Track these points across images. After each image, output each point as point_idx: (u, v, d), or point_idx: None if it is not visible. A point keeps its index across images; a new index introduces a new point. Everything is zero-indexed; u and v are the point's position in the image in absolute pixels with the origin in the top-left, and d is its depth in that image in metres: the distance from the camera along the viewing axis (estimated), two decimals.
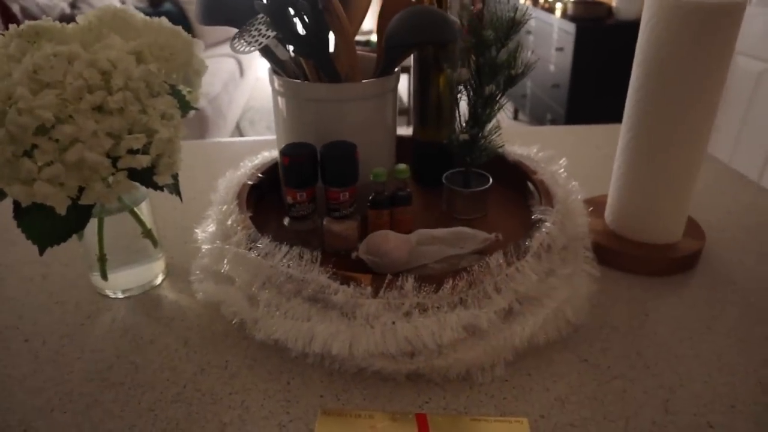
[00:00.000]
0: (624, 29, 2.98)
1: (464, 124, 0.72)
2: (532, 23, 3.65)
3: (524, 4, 3.64)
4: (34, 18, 3.00)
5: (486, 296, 0.55)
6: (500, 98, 0.70)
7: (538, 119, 3.66)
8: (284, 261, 0.56)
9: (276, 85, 0.71)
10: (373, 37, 2.49)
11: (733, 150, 2.39)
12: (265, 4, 0.60)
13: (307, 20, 0.62)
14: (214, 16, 0.72)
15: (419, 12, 0.62)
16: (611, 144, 0.83)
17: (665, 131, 0.68)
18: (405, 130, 0.89)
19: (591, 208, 0.76)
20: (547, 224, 0.64)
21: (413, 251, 0.65)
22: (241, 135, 3.95)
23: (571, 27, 3.02)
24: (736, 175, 1.02)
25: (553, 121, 3.38)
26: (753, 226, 0.84)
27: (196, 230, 0.69)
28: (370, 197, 0.70)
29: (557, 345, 0.60)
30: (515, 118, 4.05)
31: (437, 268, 0.64)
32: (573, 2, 3.15)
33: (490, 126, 0.73)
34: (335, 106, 0.69)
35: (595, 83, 3.09)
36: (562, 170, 0.78)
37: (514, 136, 1.14)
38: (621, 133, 0.75)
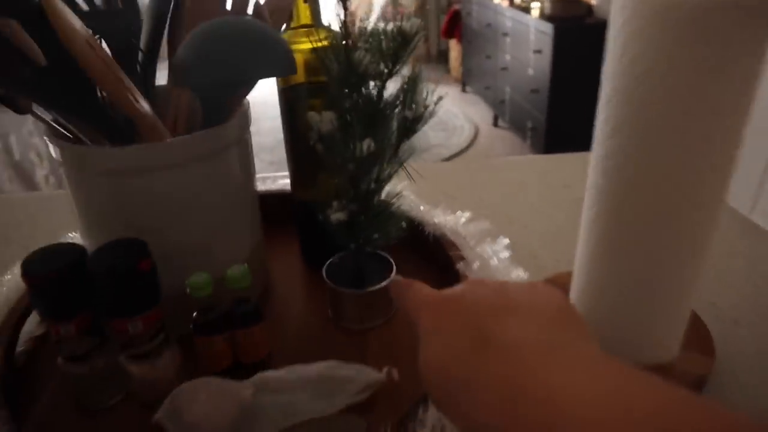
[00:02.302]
0: (606, 28, 2.74)
1: (342, 195, 0.47)
2: (507, 24, 3.40)
3: (497, 4, 3.39)
4: None
5: None
6: (393, 157, 0.45)
7: (518, 126, 3.42)
8: None
9: (52, 152, 0.45)
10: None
11: (756, 194, 2.03)
12: None
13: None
14: None
15: (216, 35, 0.37)
16: (585, 182, 0.58)
17: (652, 200, 0.43)
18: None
19: None
20: None
21: (246, 411, 0.40)
22: None
23: (548, 28, 2.78)
24: (759, 235, 0.75)
25: (534, 129, 3.14)
26: None
27: None
28: (194, 316, 0.45)
29: None
30: (495, 125, 3.80)
31: None
32: (550, 1, 2.91)
33: (382, 195, 0.47)
34: (136, 179, 0.44)
35: (577, 87, 2.84)
36: (504, 250, 0.53)
37: (460, 172, 0.89)
38: (585, 200, 0.49)
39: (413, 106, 0.43)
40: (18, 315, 0.49)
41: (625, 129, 0.43)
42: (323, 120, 0.42)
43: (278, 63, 0.38)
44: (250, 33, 0.37)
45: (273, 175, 0.76)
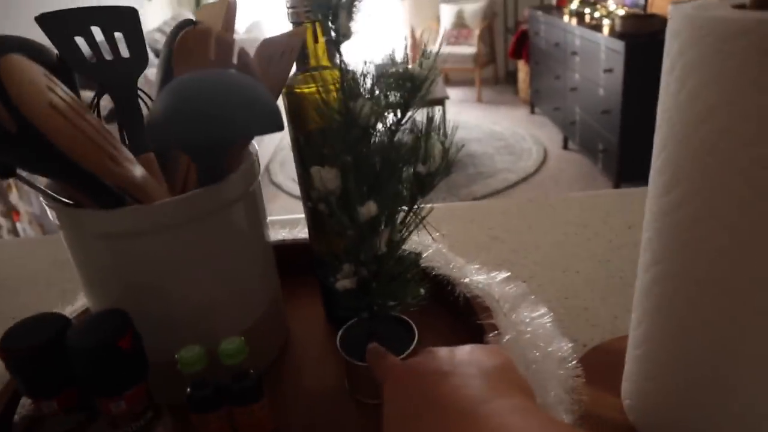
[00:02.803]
0: None
1: (351, 259, 0.41)
2: (576, 43, 3.27)
3: (566, 22, 3.27)
4: None
5: None
6: (408, 217, 0.39)
7: (588, 148, 3.26)
8: None
9: (49, 213, 0.43)
10: None
11: None
12: None
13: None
14: None
15: (189, 93, 0.33)
16: None
17: (722, 268, 0.35)
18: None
19: (595, 368, 0.44)
20: None
21: None
22: (270, 177, 3.76)
23: (619, 45, 2.63)
24: None
25: (605, 151, 2.97)
26: None
27: None
28: (187, 391, 0.40)
29: None
30: (565, 147, 3.65)
31: None
32: (622, 17, 2.77)
33: (400, 256, 0.42)
34: (138, 243, 0.41)
35: (651, 107, 2.67)
36: (542, 317, 0.46)
37: (512, 211, 0.81)
38: (640, 259, 0.42)
39: (427, 159, 0.37)
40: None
41: (684, 180, 0.36)
42: (324, 178, 0.37)
43: (263, 121, 0.33)
44: (227, 90, 0.33)
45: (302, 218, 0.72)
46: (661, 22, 2.70)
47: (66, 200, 0.42)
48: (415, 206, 0.40)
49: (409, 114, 0.37)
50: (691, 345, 0.38)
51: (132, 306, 0.39)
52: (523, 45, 4.38)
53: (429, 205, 0.41)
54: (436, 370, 0.33)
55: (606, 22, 2.97)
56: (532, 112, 4.35)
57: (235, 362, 0.39)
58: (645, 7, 2.77)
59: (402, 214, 0.40)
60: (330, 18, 0.34)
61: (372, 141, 0.37)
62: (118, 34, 0.48)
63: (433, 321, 0.49)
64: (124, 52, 0.48)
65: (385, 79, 0.36)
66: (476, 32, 4.81)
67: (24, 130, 0.33)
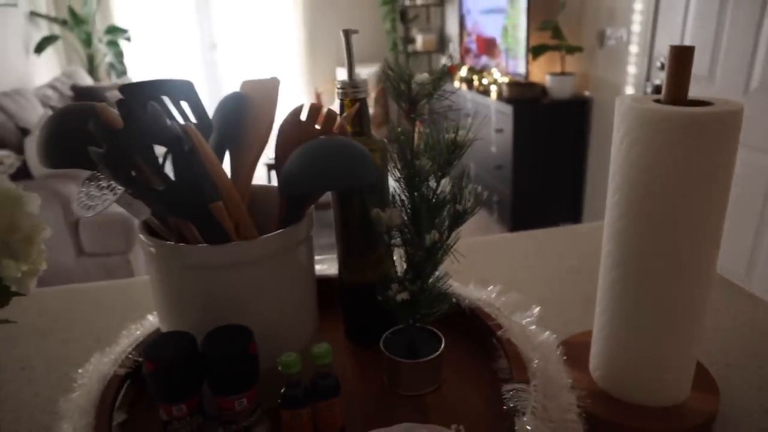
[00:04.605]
0: (559, 108, 3.00)
1: (402, 278, 0.55)
2: (469, 106, 3.65)
3: (458, 88, 3.64)
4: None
5: None
6: (446, 242, 0.53)
7: (484, 201, 3.59)
8: None
9: (145, 245, 0.52)
10: None
11: (748, 265, 2.09)
12: (101, 152, 0.42)
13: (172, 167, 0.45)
14: (60, 157, 0.55)
15: (321, 152, 0.46)
16: (576, 251, 0.75)
17: (660, 268, 0.53)
18: None
19: (566, 356, 0.59)
20: (525, 419, 0.46)
21: None
22: None
23: (508, 108, 3.01)
24: (752, 300, 0.83)
25: (500, 202, 3.31)
26: None
27: None
28: (282, 391, 0.50)
29: None
30: None
31: None
32: (507, 84, 3.16)
33: (436, 274, 0.56)
34: (226, 273, 0.51)
35: (538, 161, 3.06)
36: (531, 320, 0.61)
37: (461, 248, 0.97)
38: (601, 269, 0.59)
39: (462, 201, 0.52)
40: (109, 405, 0.54)
41: (632, 211, 0.54)
42: (392, 216, 0.50)
43: (368, 174, 0.46)
44: (347, 150, 0.46)
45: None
46: (540, 89, 3.12)
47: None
48: (450, 236, 0.54)
49: (450, 167, 0.52)
50: (640, 323, 0.55)
51: (205, 327, 0.49)
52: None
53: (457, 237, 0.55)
54: None
55: (493, 88, 3.35)
56: None
57: (325, 362, 0.50)
58: (526, 76, 3.19)
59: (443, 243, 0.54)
60: (409, 104, 0.48)
61: (424, 188, 0.51)
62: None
63: (443, 333, 0.62)
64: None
65: (439, 144, 0.51)
66: (372, 95, 5.14)
67: (185, 183, 0.43)
